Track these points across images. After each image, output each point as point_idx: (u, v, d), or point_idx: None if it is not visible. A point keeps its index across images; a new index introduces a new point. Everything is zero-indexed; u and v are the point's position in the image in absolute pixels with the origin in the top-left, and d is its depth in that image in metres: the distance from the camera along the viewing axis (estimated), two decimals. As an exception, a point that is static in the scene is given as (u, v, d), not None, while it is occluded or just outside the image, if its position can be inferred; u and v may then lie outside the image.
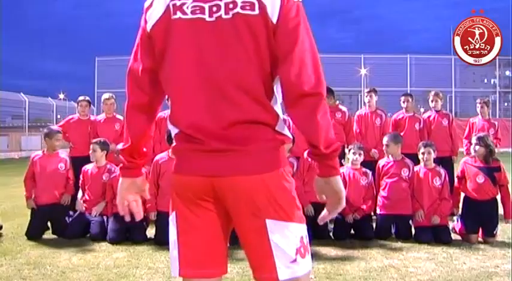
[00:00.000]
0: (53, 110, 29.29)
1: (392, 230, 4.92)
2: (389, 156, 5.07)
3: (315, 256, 4.23)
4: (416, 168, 4.96)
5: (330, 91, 6.47)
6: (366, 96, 6.36)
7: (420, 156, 4.95)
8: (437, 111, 6.35)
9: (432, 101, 6.39)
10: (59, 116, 28.65)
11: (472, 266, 3.93)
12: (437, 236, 4.64)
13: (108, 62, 24.60)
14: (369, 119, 6.24)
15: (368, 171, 5.06)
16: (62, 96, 41.25)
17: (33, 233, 4.90)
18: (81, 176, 5.22)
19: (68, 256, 4.25)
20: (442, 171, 4.93)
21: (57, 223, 5.00)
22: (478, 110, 6.50)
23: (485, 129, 6.11)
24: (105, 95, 6.23)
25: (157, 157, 4.95)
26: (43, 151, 5.30)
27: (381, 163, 5.10)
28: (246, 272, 3.78)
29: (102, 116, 6.21)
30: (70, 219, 5.13)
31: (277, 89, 1.51)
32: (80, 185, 5.25)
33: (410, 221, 4.85)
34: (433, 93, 6.53)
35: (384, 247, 4.52)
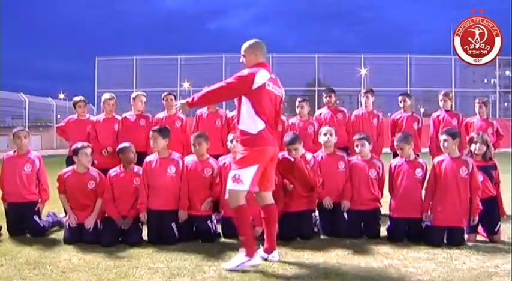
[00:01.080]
0: (53, 110, 29.36)
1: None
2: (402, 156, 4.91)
3: (315, 256, 4.23)
4: (440, 158, 4.78)
5: (331, 90, 6.47)
6: (363, 97, 6.34)
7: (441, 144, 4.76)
8: (446, 111, 6.34)
9: (441, 101, 6.38)
10: (59, 116, 28.70)
11: (472, 266, 3.93)
12: (450, 237, 4.54)
13: (108, 62, 24.63)
14: (365, 120, 6.22)
15: (378, 163, 5.07)
16: (62, 96, 41.29)
17: (12, 231, 4.98)
18: (56, 182, 5.01)
19: (68, 256, 4.25)
20: (469, 160, 4.70)
21: (27, 223, 4.98)
22: (477, 110, 6.46)
23: (483, 129, 6.07)
24: (106, 95, 6.20)
25: (147, 158, 4.95)
26: (14, 151, 5.25)
27: (393, 162, 4.99)
28: (246, 272, 3.78)
29: (101, 116, 6.19)
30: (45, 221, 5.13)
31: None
32: (59, 190, 4.98)
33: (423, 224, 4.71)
34: (442, 93, 6.51)
35: (384, 247, 4.51)
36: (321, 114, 6.35)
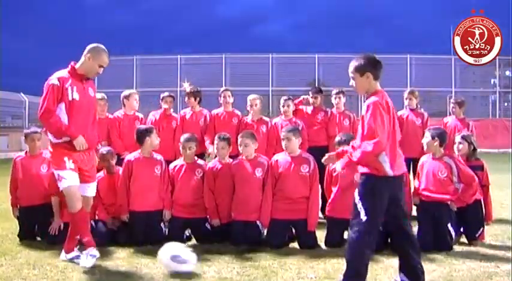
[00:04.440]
0: (53, 110, 29.26)
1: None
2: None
3: (315, 256, 4.23)
4: (424, 158, 4.74)
5: (318, 91, 6.35)
6: (334, 98, 6.23)
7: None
8: (411, 110, 6.23)
9: (407, 99, 6.26)
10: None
11: (472, 266, 3.93)
12: (437, 243, 4.47)
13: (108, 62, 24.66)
14: (337, 120, 6.12)
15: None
16: (62, 96, 41.20)
17: (24, 236, 4.84)
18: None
19: (68, 256, 4.24)
20: (450, 161, 4.57)
21: (43, 225, 4.83)
22: (451, 110, 6.36)
23: (458, 129, 5.99)
24: (98, 96, 6.06)
25: (128, 156, 4.91)
26: (25, 152, 5.08)
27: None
28: (246, 272, 3.78)
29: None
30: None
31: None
32: (50, 188, 4.82)
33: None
34: (408, 91, 6.39)
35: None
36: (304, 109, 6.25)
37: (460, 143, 4.86)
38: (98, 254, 3.94)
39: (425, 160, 4.75)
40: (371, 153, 3.07)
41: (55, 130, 3.92)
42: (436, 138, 4.61)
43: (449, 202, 4.53)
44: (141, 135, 4.85)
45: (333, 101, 6.30)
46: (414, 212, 4.86)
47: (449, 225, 4.50)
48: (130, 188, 4.80)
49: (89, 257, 3.90)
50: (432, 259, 4.12)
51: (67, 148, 3.95)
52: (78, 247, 4.18)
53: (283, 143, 4.77)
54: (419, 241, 4.37)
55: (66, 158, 3.93)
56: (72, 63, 4.02)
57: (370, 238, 3.21)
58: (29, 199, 4.93)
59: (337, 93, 6.25)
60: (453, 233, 4.52)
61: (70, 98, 3.89)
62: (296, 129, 4.91)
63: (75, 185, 3.96)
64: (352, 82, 3.38)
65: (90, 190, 4.19)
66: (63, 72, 3.97)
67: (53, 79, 3.88)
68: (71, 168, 3.93)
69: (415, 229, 4.57)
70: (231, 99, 6.03)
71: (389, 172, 3.17)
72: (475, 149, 4.86)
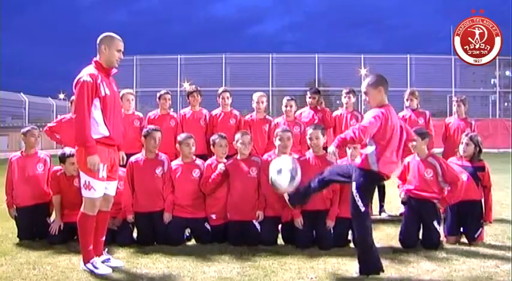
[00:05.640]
0: (53, 110, 29.35)
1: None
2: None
3: (315, 256, 4.23)
4: (409, 158, 4.78)
5: (316, 92, 6.33)
6: (344, 97, 6.22)
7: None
8: (413, 110, 6.22)
9: (407, 100, 6.26)
10: (59, 116, 28.56)
11: (472, 266, 3.93)
12: (424, 239, 4.53)
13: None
14: (344, 120, 6.11)
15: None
16: (62, 96, 41.20)
17: (23, 236, 4.83)
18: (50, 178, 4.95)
19: (68, 256, 4.24)
20: (435, 162, 4.60)
21: (40, 224, 4.84)
22: (455, 108, 6.32)
23: (461, 129, 5.97)
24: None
25: (132, 158, 4.87)
26: (21, 152, 5.08)
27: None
28: (246, 272, 3.78)
29: None
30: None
31: None
32: (50, 187, 4.93)
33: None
34: (408, 91, 6.39)
35: (384, 247, 4.50)
36: (301, 113, 6.26)
37: (467, 144, 4.80)
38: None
39: (410, 160, 4.78)
40: (352, 137, 3.50)
41: (79, 133, 3.69)
42: (426, 138, 4.68)
43: (436, 201, 4.56)
44: (148, 135, 4.85)
45: (343, 100, 6.28)
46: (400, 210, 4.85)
47: (435, 223, 4.52)
48: (134, 189, 4.82)
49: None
50: (432, 259, 4.12)
51: (104, 144, 3.79)
52: (106, 249, 4.11)
53: (312, 142, 4.71)
54: (404, 237, 4.55)
55: (101, 166, 3.76)
56: (94, 59, 3.92)
57: (370, 225, 3.80)
58: (26, 199, 4.92)
59: (347, 93, 6.23)
60: (440, 231, 4.55)
61: (103, 94, 3.78)
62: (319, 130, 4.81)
63: (101, 197, 3.87)
64: (365, 97, 3.80)
65: (111, 188, 4.01)
66: (91, 69, 3.84)
67: (84, 76, 3.72)
68: (103, 177, 3.80)
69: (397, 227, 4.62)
70: (229, 100, 6.02)
71: (374, 167, 3.64)
72: (480, 151, 4.83)
